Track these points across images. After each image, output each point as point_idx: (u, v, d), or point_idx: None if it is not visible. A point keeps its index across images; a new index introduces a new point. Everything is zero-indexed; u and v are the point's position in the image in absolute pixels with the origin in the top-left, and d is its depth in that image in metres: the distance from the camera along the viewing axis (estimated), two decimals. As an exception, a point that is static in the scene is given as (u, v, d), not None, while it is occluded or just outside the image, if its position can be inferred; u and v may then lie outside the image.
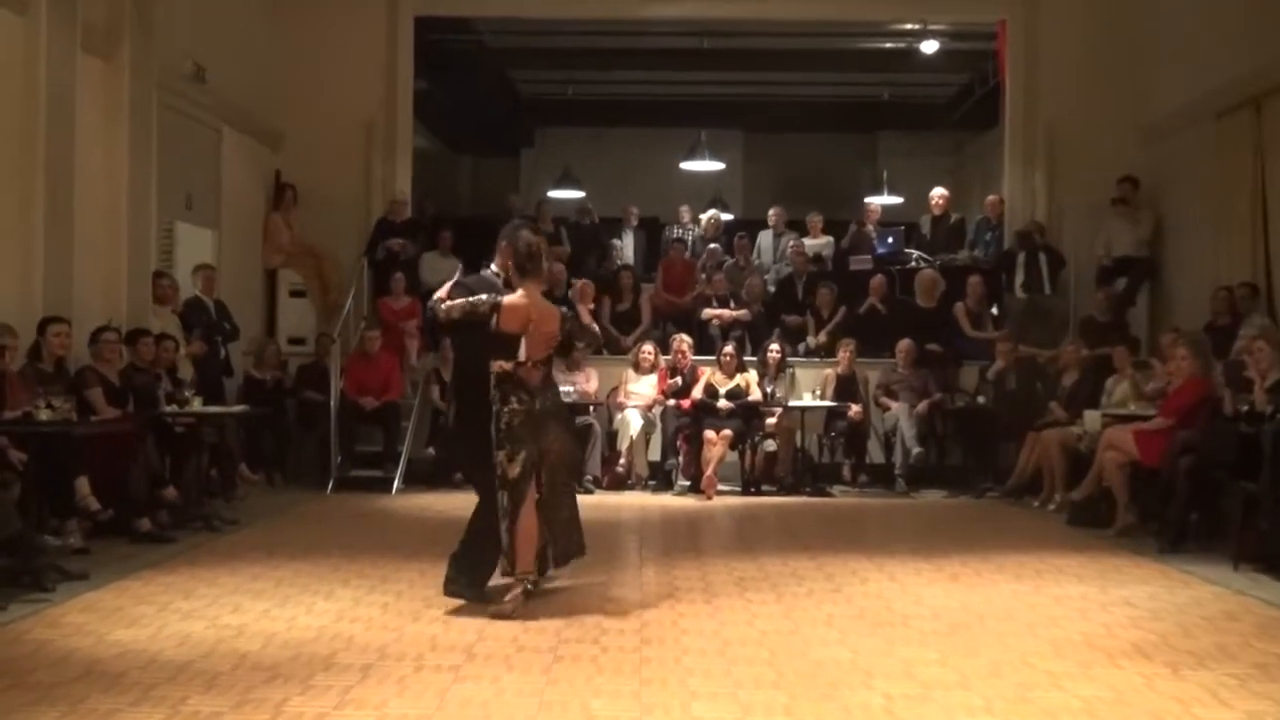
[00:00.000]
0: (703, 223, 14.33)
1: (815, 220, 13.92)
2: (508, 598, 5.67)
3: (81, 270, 8.50)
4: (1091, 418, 9.62)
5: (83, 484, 7.16)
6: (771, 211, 14.03)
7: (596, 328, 10.44)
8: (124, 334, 8.66)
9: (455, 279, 6.34)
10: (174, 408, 8.62)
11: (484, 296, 5.91)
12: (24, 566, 6.13)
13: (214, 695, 4.38)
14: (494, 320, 5.81)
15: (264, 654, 4.98)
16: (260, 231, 12.40)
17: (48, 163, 8.12)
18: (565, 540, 6.18)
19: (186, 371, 9.59)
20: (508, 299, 5.86)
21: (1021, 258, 12.17)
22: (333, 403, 10.98)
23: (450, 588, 5.98)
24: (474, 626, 5.46)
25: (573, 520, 6.24)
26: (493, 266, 6.36)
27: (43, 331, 7.78)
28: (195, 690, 4.44)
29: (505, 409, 5.78)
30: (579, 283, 12.15)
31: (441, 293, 6.12)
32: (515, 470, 5.74)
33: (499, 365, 5.80)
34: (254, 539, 8.02)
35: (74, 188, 8.39)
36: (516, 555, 5.79)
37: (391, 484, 10.64)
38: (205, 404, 8.89)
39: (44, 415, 6.74)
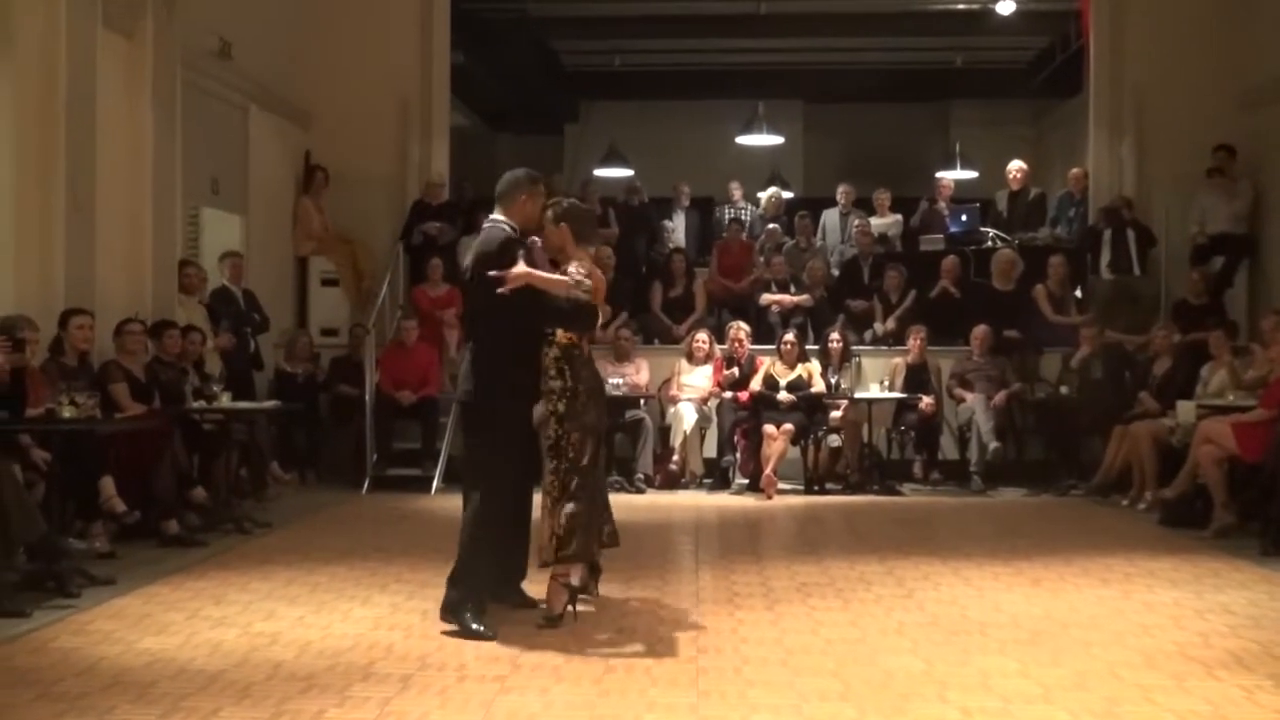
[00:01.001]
0: (762, 201, 14.31)
1: (882, 197, 13.83)
2: (558, 607, 5.67)
3: (104, 259, 8.62)
4: (1185, 409, 9.50)
5: (108, 484, 7.29)
6: (840, 189, 13.92)
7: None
8: (149, 326, 8.78)
9: (508, 240, 5.68)
10: (202, 404, 8.75)
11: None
12: (48, 571, 6.25)
13: (247, 706, 4.46)
14: None
15: (299, 663, 5.06)
16: (290, 216, 12.50)
17: (68, 145, 8.22)
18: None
19: (214, 365, 9.73)
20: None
21: (1108, 235, 12.03)
22: (368, 397, 11.07)
23: (493, 594, 6.02)
24: (520, 635, 5.49)
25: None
26: (497, 216, 5.87)
27: (64, 324, 7.89)
28: (228, 701, 4.52)
29: (580, 386, 5.63)
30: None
31: (521, 268, 5.51)
32: (588, 455, 5.65)
33: (564, 336, 5.66)
34: (287, 542, 8.13)
35: (96, 171, 8.51)
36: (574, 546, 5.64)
37: (430, 483, 10.73)
38: (234, 399, 9.01)
39: (67, 412, 6.86)
